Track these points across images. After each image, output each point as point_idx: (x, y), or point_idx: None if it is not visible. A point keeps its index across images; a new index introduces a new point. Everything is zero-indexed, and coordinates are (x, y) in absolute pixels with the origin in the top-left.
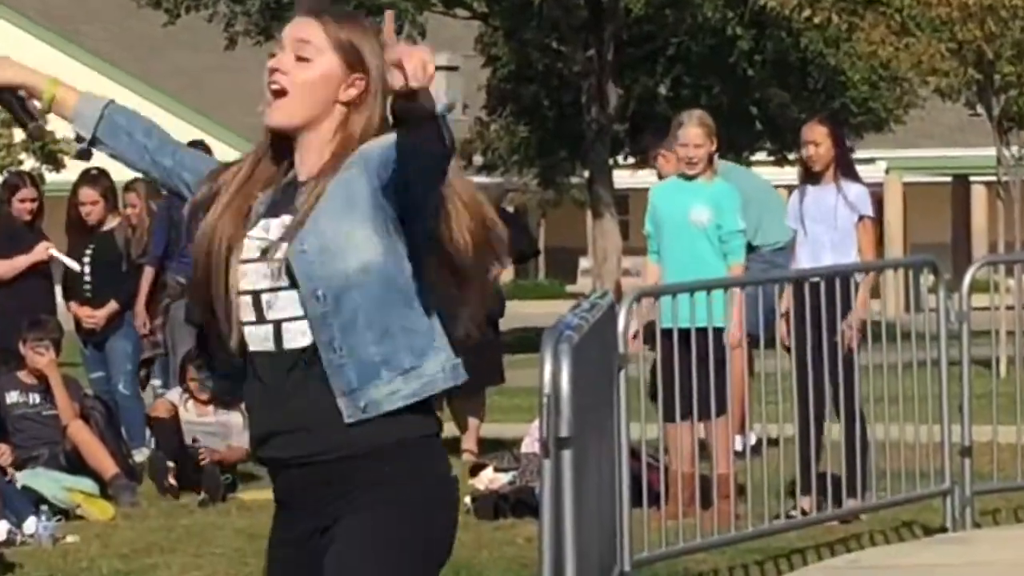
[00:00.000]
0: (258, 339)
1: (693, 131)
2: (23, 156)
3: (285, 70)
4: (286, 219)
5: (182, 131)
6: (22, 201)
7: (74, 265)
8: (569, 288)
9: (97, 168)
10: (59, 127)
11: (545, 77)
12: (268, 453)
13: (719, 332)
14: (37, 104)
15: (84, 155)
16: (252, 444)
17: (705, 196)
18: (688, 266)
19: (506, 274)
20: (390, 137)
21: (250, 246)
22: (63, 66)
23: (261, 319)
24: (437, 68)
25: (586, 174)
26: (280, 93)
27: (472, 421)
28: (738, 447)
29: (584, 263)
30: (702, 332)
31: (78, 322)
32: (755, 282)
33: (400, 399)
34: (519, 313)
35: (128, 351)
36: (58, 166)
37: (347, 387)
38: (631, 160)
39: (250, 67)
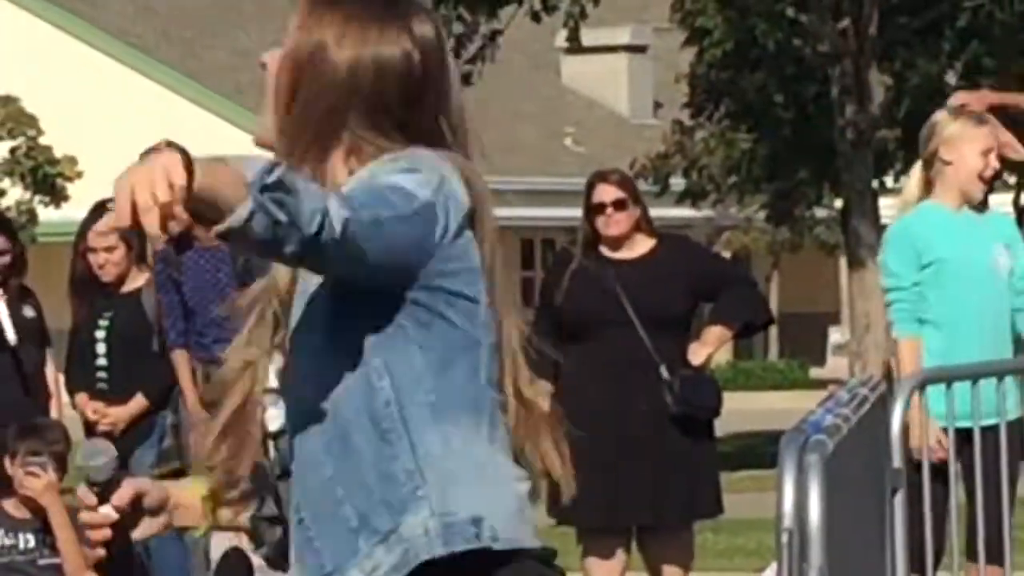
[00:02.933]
0: None
1: (992, 132)
2: (6, 182)
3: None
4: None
5: (238, 142)
6: None
7: (8, 332)
8: (815, 373)
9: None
10: (56, 142)
11: (777, 61)
12: None
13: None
14: None
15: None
16: None
17: (999, 230)
18: (989, 337)
19: (721, 352)
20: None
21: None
22: (72, 54)
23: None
24: (617, 48)
25: (838, 203)
26: None
27: (672, 571)
28: None
29: (836, 335)
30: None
31: (88, 426)
32: None
33: None
34: (741, 410)
35: None
36: (57, 199)
37: (319, 572)
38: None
39: None
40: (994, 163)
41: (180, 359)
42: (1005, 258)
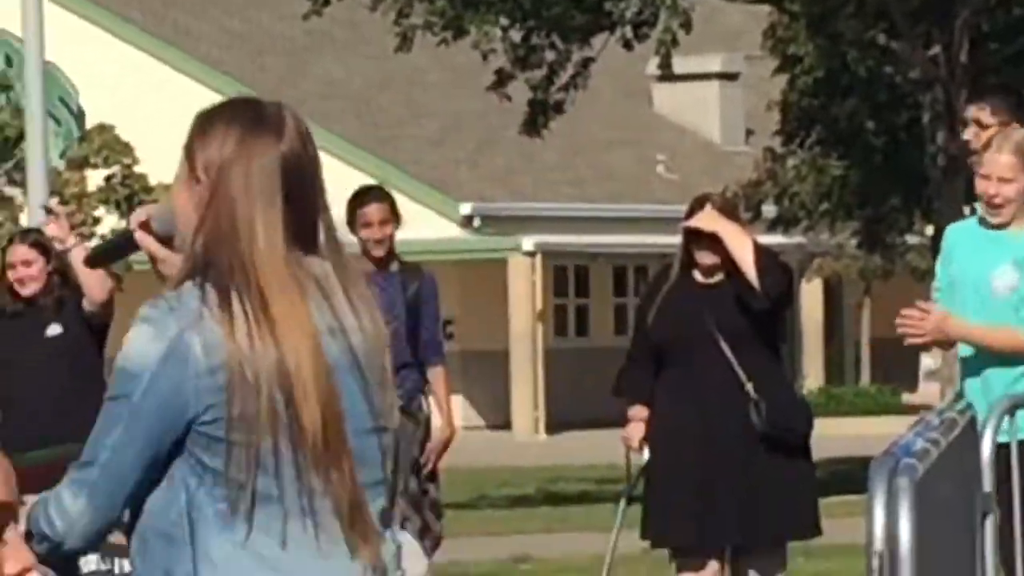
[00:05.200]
0: None
1: (1003, 159)
2: (101, 210)
3: None
4: None
5: (326, 168)
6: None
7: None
8: (907, 398)
9: None
10: (151, 170)
11: (868, 88)
12: None
13: None
14: None
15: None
16: None
17: (1016, 250)
18: (981, 354)
19: (812, 379)
20: None
21: None
22: (167, 83)
23: None
24: (709, 75)
25: (930, 231)
26: None
27: None
28: None
29: (928, 361)
30: None
31: None
32: None
33: None
34: (833, 436)
35: None
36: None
37: None
38: None
39: (430, 77)
40: (993, 189)
41: None
42: (1009, 278)
